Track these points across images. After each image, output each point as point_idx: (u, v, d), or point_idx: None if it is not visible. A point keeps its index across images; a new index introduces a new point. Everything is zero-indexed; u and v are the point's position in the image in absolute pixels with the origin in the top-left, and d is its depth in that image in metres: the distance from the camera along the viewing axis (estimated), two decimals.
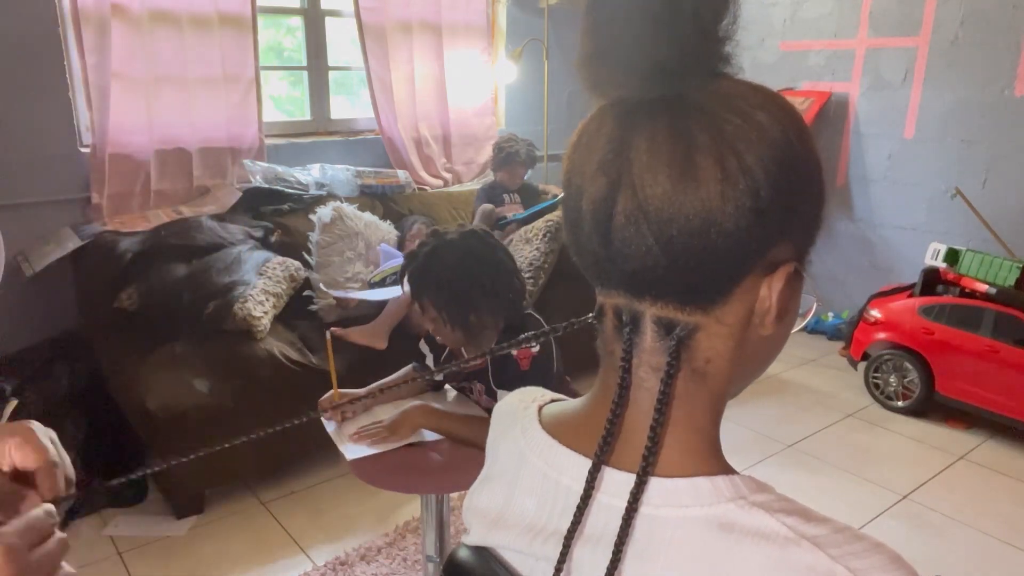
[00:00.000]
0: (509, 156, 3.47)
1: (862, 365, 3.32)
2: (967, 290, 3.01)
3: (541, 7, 3.98)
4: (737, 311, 0.52)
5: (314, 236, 2.99)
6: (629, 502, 0.51)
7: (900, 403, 3.20)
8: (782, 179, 0.49)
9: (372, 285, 2.93)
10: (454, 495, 2.01)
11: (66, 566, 0.48)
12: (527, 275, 3.02)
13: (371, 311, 2.78)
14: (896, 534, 2.38)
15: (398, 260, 2.86)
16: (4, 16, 2.60)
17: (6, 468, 0.49)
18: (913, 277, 3.26)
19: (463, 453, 1.59)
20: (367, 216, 3.16)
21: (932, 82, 3.59)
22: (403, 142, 3.64)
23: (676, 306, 0.52)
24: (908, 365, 3.12)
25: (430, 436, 1.65)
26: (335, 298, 2.83)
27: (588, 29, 0.51)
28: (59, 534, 0.47)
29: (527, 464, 0.61)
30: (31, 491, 0.49)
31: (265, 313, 2.58)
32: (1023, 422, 2.84)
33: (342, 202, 3.14)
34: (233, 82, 3.11)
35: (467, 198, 3.64)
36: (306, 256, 2.97)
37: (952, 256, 3.05)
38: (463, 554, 0.65)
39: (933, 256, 3.10)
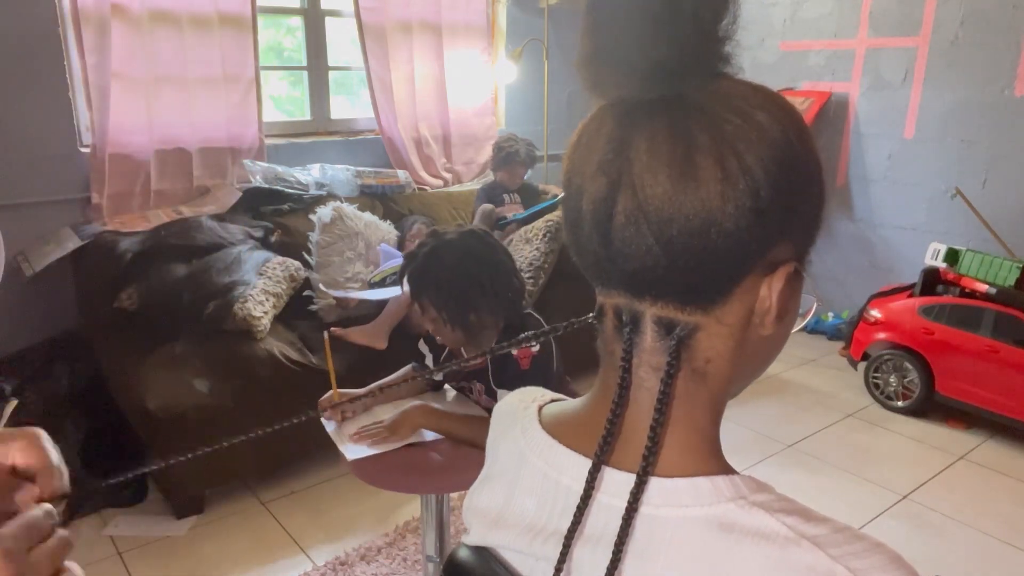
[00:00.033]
0: (509, 156, 3.47)
1: (862, 365, 3.32)
2: (967, 290, 3.01)
3: (541, 7, 3.98)
4: (737, 311, 0.53)
5: (314, 236, 2.99)
6: (629, 502, 0.51)
7: (900, 403, 3.19)
8: (782, 179, 0.49)
9: (372, 285, 2.93)
10: (454, 495, 2.01)
11: (72, 565, 0.48)
12: (527, 275, 3.02)
13: (371, 311, 2.78)
14: (896, 534, 2.38)
15: (398, 260, 2.86)
16: (4, 16, 2.59)
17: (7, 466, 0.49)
18: (913, 277, 3.26)
19: (463, 453, 1.59)
20: (367, 216, 3.16)
21: (932, 82, 3.59)
22: (403, 142, 3.64)
23: (676, 306, 0.52)
24: (908, 365, 3.12)
25: (430, 436, 1.65)
26: (335, 298, 2.83)
27: (588, 29, 0.51)
28: (61, 532, 0.47)
29: (527, 464, 0.61)
30: (28, 483, 0.49)
31: (265, 313, 2.58)
32: (1023, 422, 2.84)
33: (342, 202, 3.14)
34: (233, 82, 3.11)
35: (467, 198, 3.64)
36: (306, 256, 2.97)
37: (952, 256, 3.05)
38: (463, 554, 0.65)
39: (933, 256, 3.10)
